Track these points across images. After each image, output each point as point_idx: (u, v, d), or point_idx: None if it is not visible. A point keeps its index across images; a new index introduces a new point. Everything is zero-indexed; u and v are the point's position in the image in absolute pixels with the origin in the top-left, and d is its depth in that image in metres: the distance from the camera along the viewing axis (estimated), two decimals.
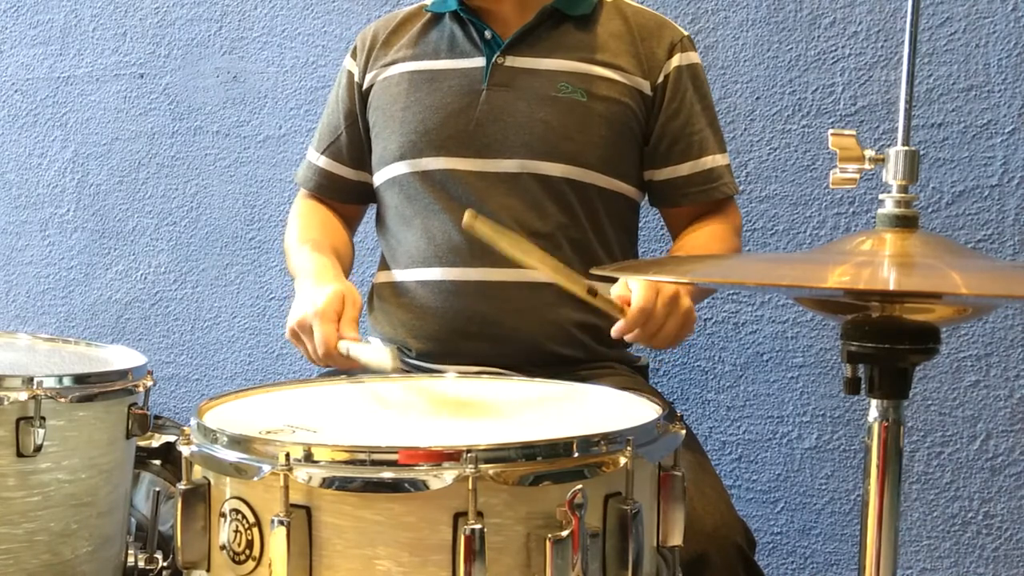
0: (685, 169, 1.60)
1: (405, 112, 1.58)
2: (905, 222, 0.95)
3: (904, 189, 0.95)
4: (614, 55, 1.57)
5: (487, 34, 1.57)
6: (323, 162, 1.70)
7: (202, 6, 2.43)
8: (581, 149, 1.54)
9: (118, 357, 1.57)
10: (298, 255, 1.60)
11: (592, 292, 1.28)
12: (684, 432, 1.08)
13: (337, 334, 1.36)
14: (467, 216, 1.19)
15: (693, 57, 1.61)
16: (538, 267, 1.26)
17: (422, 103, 1.57)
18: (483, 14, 1.58)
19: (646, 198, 1.66)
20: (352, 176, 1.69)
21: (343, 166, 1.69)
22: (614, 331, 1.34)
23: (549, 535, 0.91)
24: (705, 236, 1.59)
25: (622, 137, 1.57)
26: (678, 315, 1.36)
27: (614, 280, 1.46)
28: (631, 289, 1.33)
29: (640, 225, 1.69)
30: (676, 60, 1.59)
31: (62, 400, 1.33)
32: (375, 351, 1.30)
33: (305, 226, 1.68)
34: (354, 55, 1.68)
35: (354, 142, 1.68)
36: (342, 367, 1.39)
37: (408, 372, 1.55)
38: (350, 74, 1.68)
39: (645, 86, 1.57)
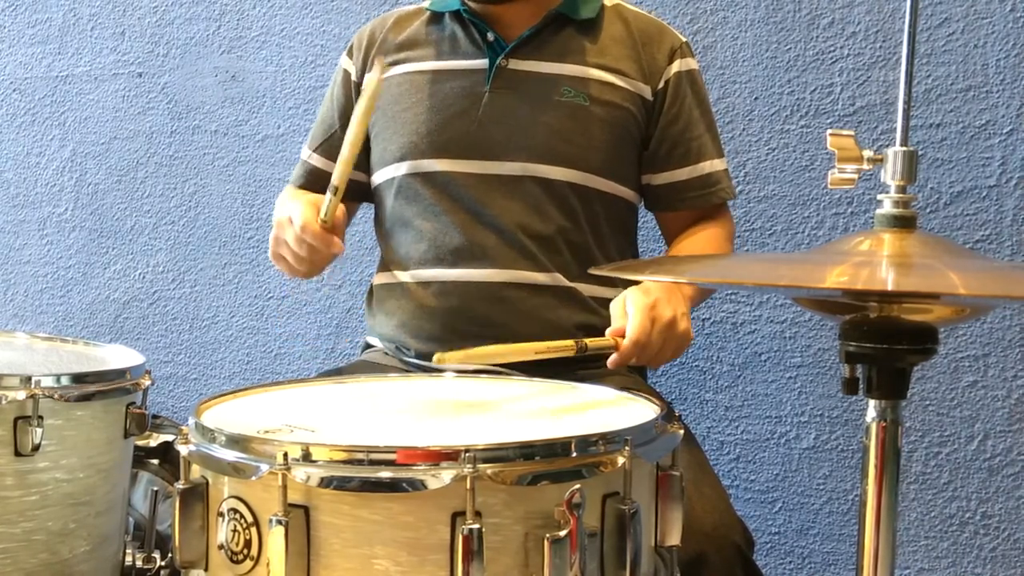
0: (683, 174, 1.60)
1: (406, 113, 1.58)
2: (903, 222, 0.95)
3: (902, 189, 0.95)
4: (616, 60, 1.57)
5: (490, 36, 1.57)
6: (315, 159, 1.70)
7: (200, 5, 2.43)
8: (583, 153, 1.54)
9: (116, 356, 1.57)
10: (279, 211, 1.59)
11: (582, 349, 1.31)
12: (682, 432, 1.09)
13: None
14: (436, 358, 1.22)
15: (692, 63, 1.62)
16: (523, 356, 1.29)
17: (423, 104, 1.57)
18: (486, 16, 1.58)
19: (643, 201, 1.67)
20: None
21: (335, 163, 1.68)
22: (609, 363, 1.36)
23: (547, 535, 0.91)
24: (700, 241, 1.60)
25: (622, 141, 1.57)
26: (674, 340, 1.37)
27: (611, 280, 1.46)
28: (628, 314, 1.34)
29: (639, 226, 1.69)
30: (676, 66, 1.59)
31: (60, 399, 1.33)
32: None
33: (291, 199, 1.68)
34: (350, 54, 1.68)
35: None
36: (326, 248, 1.41)
37: (407, 371, 1.55)
38: (346, 73, 1.68)
39: (646, 91, 1.57)
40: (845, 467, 1.97)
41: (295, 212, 1.41)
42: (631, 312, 1.34)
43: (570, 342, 1.32)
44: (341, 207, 1.46)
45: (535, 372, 1.40)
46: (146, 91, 2.50)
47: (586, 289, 1.55)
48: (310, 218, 1.40)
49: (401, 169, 1.58)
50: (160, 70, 2.48)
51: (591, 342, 1.33)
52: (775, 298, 1.98)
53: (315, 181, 1.70)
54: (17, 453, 1.30)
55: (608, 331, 1.36)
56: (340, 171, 1.41)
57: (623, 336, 1.34)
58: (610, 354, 1.35)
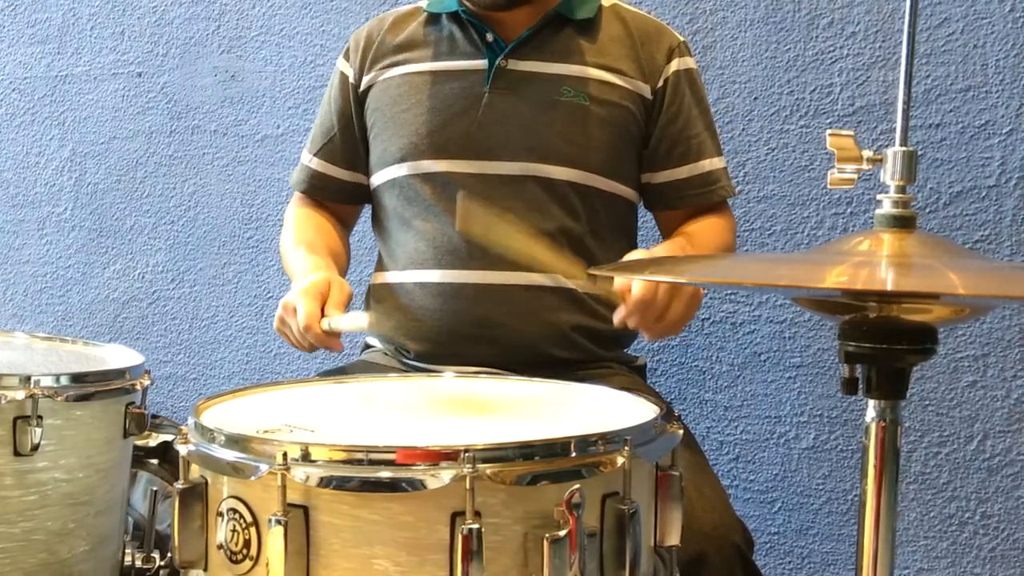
0: (683, 172, 1.60)
1: (405, 114, 1.58)
2: (903, 222, 0.95)
3: (902, 189, 0.95)
4: (615, 59, 1.57)
5: (489, 37, 1.57)
6: (316, 163, 1.70)
7: (200, 5, 2.43)
8: (584, 153, 1.54)
9: (115, 356, 1.57)
10: (293, 257, 1.60)
11: (592, 277, 1.29)
12: (682, 432, 1.09)
13: (320, 313, 1.37)
14: (460, 208, 1.21)
15: (690, 62, 1.62)
16: (536, 257, 1.28)
17: (423, 105, 1.57)
18: (485, 17, 1.58)
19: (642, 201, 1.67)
20: (346, 177, 1.69)
21: (336, 167, 1.69)
22: (615, 319, 1.34)
23: (547, 535, 0.91)
24: (704, 227, 1.59)
25: (623, 140, 1.57)
26: (681, 300, 1.34)
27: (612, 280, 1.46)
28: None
29: (639, 225, 1.69)
30: (675, 65, 1.59)
31: (59, 399, 1.33)
32: (353, 317, 1.31)
33: (301, 229, 1.67)
34: (347, 56, 1.68)
35: (348, 143, 1.67)
36: (325, 346, 1.40)
37: (407, 371, 1.55)
38: (344, 75, 1.67)
39: (646, 90, 1.58)
40: (844, 467, 1.97)
41: (299, 304, 1.39)
42: None
43: (582, 273, 1.31)
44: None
45: (535, 372, 1.40)
46: (145, 91, 2.50)
47: (586, 289, 1.54)
48: (313, 317, 1.37)
49: (401, 170, 1.58)
50: (159, 70, 2.48)
51: (602, 283, 1.32)
52: (774, 298, 1.98)
53: (317, 186, 1.70)
54: (16, 453, 1.30)
55: (615, 285, 1.33)
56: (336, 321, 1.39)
57: (630, 292, 1.32)
58: (612, 324, 1.34)
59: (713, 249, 1.56)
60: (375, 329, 1.28)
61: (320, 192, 1.71)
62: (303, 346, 1.44)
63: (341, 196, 1.71)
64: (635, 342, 1.70)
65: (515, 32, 1.57)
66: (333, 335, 1.39)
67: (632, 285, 1.31)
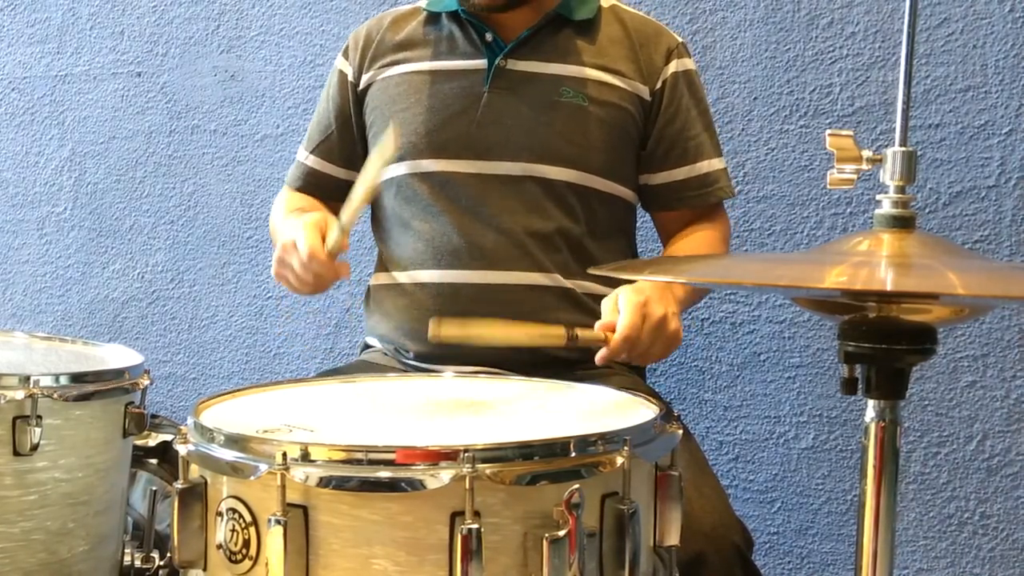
0: (681, 173, 1.60)
1: (404, 113, 1.58)
2: (902, 223, 0.95)
3: (901, 190, 0.95)
4: (614, 60, 1.57)
5: (488, 36, 1.57)
6: (312, 161, 1.70)
7: (199, 5, 2.43)
8: (583, 153, 1.54)
9: (115, 356, 1.57)
10: (283, 224, 1.59)
11: (572, 339, 1.32)
12: (681, 432, 1.09)
13: (322, 244, 1.37)
14: (432, 327, 1.26)
15: (689, 64, 1.62)
16: (514, 339, 1.32)
17: (422, 104, 1.57)
18: (484, 17, 1.58)
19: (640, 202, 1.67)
20: (342, 175, 1.68)
21: (333, 165, 1.69)
22: (598, 358, 1.35)
23: (546, 535, 0.92)
24: (694, 243, 1.59)
25: (622, 142, 1.57)
26: (664, 339, 1.36)
27: (610, 280, 1.46)
28: (619, 311, 1.34)
29: (638, 226, 1.69)
30: (673, 66, 1.59)
31: (59, 399, 1.33)
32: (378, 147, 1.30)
33: (291, 205, 1.68)
34: (346, 55, 1.68)
35: (346, 141, 1.67)
36: (332, 276, 1.39)
37: (406, 371, 1.55)
38: (342, 74, 1.67)
39: (644, 91, 1.58)
40: (844, 467, 1.97)
41: (299, 237, 1.37)
42: (622, 308, 1.34)
43: (561, 331, 1.32)
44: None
45: (534, 372, 1.40)
46: (145, 90, 2.50)
47: (584, 289, 1.55)
48: (316, 246, 1.36)
49: (400, 169, 1.58)
50: (159, 69, 2.48)
51: (581, 333, 1.33)
52: (774, 298, 1.98)
53: (313, 183, 1.70)
54: (16, 453, 1.30)
55: (598, 324, 1.35)
56: (349, 215, 1.36)
57: (613, 331, 1.33)
58: (599, 348, 1.35)
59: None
60: (395, 147, 1.26)
61: (315, 189, 1.71)
62: (306, 284, 1.41)
63: (336, 194, 1.70)
64: None
65: (514, 32, 1.57)
66: (341, 263, 1.37)
67: (616, 324, 1.33)
